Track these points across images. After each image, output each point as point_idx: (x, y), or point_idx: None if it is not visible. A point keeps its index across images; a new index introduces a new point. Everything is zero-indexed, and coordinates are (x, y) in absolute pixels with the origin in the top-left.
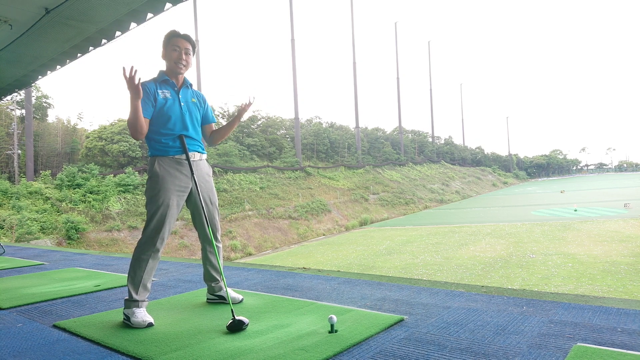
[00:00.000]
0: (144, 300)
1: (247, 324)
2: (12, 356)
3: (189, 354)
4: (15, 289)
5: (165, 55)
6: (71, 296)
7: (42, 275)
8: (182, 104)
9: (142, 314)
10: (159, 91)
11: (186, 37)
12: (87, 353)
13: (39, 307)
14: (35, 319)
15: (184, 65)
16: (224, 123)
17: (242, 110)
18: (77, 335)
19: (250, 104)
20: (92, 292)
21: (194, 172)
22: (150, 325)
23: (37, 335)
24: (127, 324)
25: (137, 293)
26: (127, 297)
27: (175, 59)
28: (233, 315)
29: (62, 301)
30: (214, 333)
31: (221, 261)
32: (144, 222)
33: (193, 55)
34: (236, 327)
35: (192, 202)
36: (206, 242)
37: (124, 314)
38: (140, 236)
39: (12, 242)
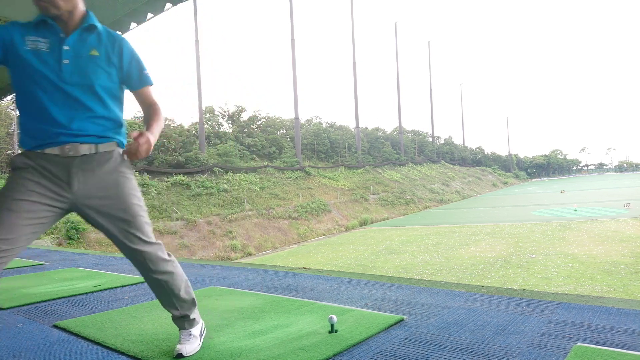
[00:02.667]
0: None
1: None
2: (12, 356)
3: None
4: (15, 289)
5: None
6: (71, 296)
7: (42, 275)
8: (64, 61)
9: None
10: (27, 38)
11: None
12: (87, 353)
13: (39, 307)
14: (35, 319)
15: (49, 3)
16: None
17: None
18: (77, 335)
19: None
20: (92, 292)
21: (77, 175)
22: None
23: (37, 335)
24: None
25: None
26: None
27: None
28: None
29: (62, 301)
30: (214, 333)
31: (165, 296)
32: None
33: None
34: None
35: (91, 220)
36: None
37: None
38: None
39: None
